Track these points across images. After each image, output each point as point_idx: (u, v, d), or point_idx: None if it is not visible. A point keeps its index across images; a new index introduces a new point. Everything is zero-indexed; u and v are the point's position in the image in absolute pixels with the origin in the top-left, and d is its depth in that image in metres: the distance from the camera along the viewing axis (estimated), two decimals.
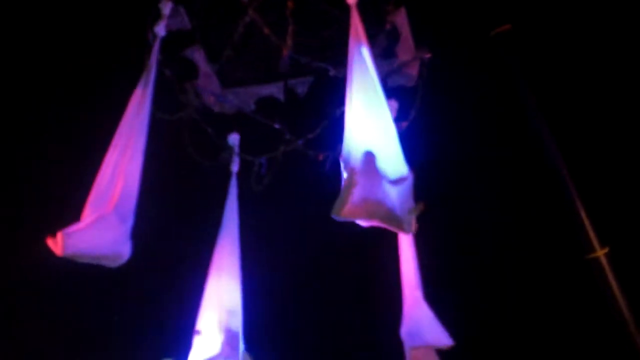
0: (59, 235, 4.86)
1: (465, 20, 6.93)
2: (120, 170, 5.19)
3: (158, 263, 7.72)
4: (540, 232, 7.34)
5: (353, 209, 4.60)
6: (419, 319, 6.30)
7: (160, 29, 5.82)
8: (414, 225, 4.70)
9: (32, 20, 7.19)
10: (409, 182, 4.77)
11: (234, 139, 7.18)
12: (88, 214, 5.05)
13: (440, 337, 6.27)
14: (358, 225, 4.67)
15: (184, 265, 7.54)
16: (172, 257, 7.94)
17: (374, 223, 4.68)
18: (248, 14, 6.38)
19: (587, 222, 6.37)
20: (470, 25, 6.99)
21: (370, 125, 4.89)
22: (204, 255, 6.54)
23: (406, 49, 6.69)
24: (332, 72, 6.57)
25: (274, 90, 7.16)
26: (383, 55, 6.71)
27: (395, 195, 4.70)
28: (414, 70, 6.73)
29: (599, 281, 6.30)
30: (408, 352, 6.29)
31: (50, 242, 4.89)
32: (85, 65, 7.31)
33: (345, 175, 4.70)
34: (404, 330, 6.34)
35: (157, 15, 5.85)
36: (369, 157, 4.76)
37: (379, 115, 4.93)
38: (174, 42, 6.42)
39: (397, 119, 6.43)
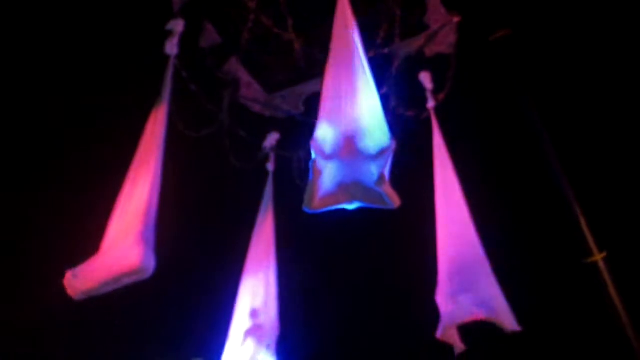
0: (66, 278, 4.94)
1: (465, 25, 6.95)
2: (138, 189, 5.23)
3: (194, 263, 7.81)
4: (538, 236, 7.36)
5: (325, 199, 4.64)
6: (484, 286, 5.76)
7: (172, 48, 5.85)
8: (395, 198, 4.66)
9: (47, 53, 7.20)
10: (389, 152, 4.72)
11: (272, 138, 7.31)
12: (109, 237, 5.11)
13: (507, 316, 5.74)
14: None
15: (218, 265, 7.59)
16: (207, 256, 7.99)
17: (352, 203, 4.70)
18: (258, 16, 6.47)
19: (585, 227, 6.42)
20: (470, 29, 7.01)
21: (351, 103, 4.79)
22: (239, 254, 6.61)
23: (437, 17, 6.79)
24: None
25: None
26: (415, 29, 6.83)
27: (376, 171, 4.66)
28: (450, 38, 6.83)
29: (597, 285, 6.35)
30: (449, 320, 5.80)
31: (65, 284, 4.97)
32: (107, 86, 7.34)
33: (314, 163, 4.66)
34: (461, 299, 5.75)
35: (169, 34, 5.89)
36: (349, 139, 4.69)
37: (361, 91, 4.81)
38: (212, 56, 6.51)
39: (434, 91, 6.71)
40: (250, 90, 7.12)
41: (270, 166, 7.28)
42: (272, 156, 7.33)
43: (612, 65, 7.36)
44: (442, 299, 5.85)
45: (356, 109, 4.79)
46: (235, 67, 7.01)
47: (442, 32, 6.90)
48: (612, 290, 6.30)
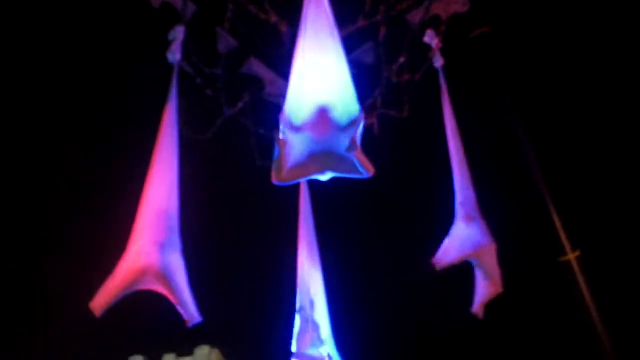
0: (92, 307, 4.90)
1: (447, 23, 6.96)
2: (155, 194, 5.24)
3: (243, 257, 7.80)
4: (513, 235, 7.45)
5: (295, 170, 4.66)
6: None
7: (174, 54, 5.89)
8: (368, 166, 4.66)
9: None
10: (359, 122, 4.74)
11: None
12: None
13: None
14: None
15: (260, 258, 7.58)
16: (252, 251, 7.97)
17: (324, 173, 4.72)
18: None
19: (559, 226, 6.52)
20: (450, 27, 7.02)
21: (322, 75, 4.81)
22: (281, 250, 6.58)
23: None
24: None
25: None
26: None
27: (347, 140, 4.67)
28: None
29: (570, 283, 6.47)
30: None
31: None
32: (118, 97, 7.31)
33: (281, 136, 4.67)
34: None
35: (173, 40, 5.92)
36: (320, 111, 4.72)
37: (332, 62, 4.84)
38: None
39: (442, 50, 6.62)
40: (275, 87, 7.12)
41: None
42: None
43: (586, 62, 7.45)
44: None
45: (327, 81, 4.82)
46: (256, 66, 6.99)
47: None
48: (584, 288, 6.43)
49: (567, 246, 6.49)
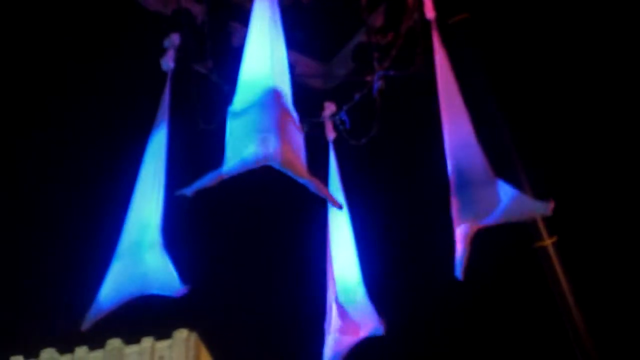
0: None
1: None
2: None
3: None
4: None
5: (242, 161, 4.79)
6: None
7: (168, 62, 5.94)
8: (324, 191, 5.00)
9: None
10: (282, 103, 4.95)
11: (329, 107, 7.24)
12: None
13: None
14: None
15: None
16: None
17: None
18: None
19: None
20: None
21: (267, 60, 5.05)
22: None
23: None
24: None
25: (360, 37, 7.24)
26: None
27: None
28: None
29: (546, 269, 6.54)
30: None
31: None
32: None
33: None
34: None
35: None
36: (268, 93, 4.91)
37: (273, 48, 5.11)
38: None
39: None
40: (304, 67, 7.17)
41: (331, 134, 7.24)
42: (328, 124, 7.26)
43: (565, 48, 7.49)
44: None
45: (271, 66, 5.05)
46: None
47: None
48: (560, 274, 6.50)
49: (544, 232, 6.54)
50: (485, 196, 5.99)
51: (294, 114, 5.01)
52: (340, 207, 5.45)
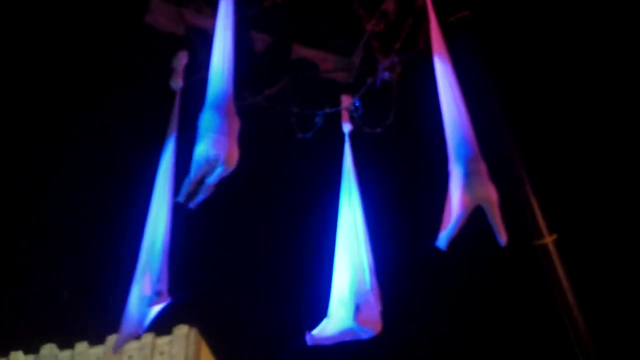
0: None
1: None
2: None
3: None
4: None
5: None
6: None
7: (177, 82, 6.04)
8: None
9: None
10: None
11: (346, 99, 7.28)
12: None
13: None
14: None
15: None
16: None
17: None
18: None
19: (536, 210, 6.54)
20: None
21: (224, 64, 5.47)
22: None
23: None
24: None
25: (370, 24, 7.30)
26: None
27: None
28: None
29: (546, 267, 6.51)
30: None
31: None
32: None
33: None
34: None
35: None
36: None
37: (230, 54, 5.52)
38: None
39: None
40: (328, 63, 7.25)
41: (347, 126, 7.28)
42: (345, 116, 7.30)
43: (566, 45, 7.46)
44: None
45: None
46: (302, 51, 7.09)
47: None
48: (560, 271, 6.47)
49: (544, 230, 6.51)
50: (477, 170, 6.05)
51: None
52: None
